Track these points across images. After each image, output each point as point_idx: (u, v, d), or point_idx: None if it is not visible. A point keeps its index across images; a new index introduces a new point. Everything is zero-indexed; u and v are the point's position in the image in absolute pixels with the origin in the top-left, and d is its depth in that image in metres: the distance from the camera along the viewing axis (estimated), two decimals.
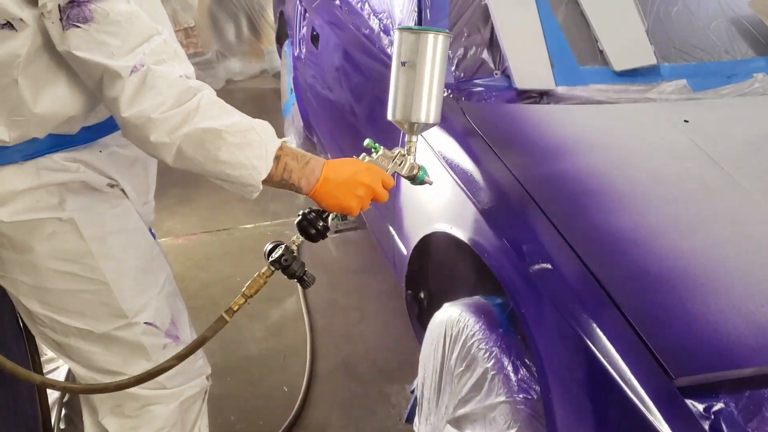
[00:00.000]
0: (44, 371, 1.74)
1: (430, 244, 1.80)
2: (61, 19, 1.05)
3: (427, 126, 1.30)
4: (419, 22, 1.92)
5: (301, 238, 1.25)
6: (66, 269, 1.28)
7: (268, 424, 2.05)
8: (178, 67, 1.10)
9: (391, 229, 2.03)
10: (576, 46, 1.87)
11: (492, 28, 1.87)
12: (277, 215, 3.34)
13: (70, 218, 1.25)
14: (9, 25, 1.06)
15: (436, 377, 1.60)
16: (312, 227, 1.24)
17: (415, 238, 1.78)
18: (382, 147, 1.29)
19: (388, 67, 2.07)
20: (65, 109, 1.16)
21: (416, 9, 1.95)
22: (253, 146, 1.10)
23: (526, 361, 1.35)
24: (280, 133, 3.78)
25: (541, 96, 1.78)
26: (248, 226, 3.24)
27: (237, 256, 3.00)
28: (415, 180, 1.31)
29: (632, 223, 1.31)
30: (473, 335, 1.44)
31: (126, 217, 1.35)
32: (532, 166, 1.50)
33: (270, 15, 4.79)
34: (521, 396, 1.29)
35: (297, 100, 3.28)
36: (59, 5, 1.04)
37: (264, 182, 1.13)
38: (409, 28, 1.29)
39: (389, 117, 1.32)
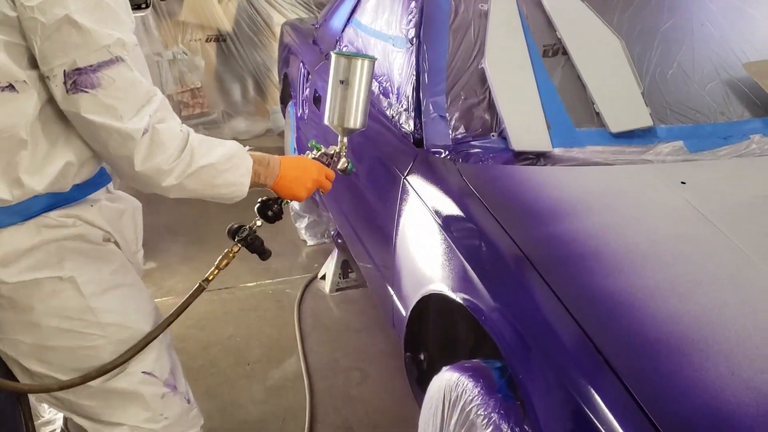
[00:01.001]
0: None
1: (428, 306, 1.79)
2: (65, 83, 1.12)
3: (355, 130, 1.65)
4: (417, 86, 1.96)
5: (261, 221, 1.54)
6: (66, 326, 1.32)
7: None
8: (173, 120, 1.26)
9: (390, 289, 2.02)
10: (572, 108, 1.90)
11: (489, 91, 1.90)
12: (279, 273, 3.33)
13: (70, 276, 1.29)
14: (11, 87, 1.11)
15: None
16: (269, 210, 1.53)
17: (413, 300, 1.77)
18: (322, 146, 1.63)
19: (388, 129, 2.11)
20: (68, 162, 1.24)
21: (414, 73, 1.98)
22: (238, 167, 1.34)
23: (525, 427, 1.32)
24: None
25: (538, 157, 1.79)
26: (250, 284, 3.23)
27: (237, 316, 2.98)
28: (345, 172, 1.66)
29: (629, 287, 1.29)
30: (471, 400, 1.42)
31: (123, 272, 1.41)
32: (528, 228, 1.50)
33: (275, 76, 4.89)
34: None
35: None
36: (65, 71, 1.12)
37: None
38: (345, 54, 1.64)
39: (326, 121, 1.66)
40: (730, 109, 1.99)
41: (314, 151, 1.63)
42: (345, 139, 1.66)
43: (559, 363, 1.19)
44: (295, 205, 3.59)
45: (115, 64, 1.15)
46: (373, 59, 1.62)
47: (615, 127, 1.85)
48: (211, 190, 1.31)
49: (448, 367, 1.56)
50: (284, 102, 3.96)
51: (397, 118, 2.05)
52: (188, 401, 1.54)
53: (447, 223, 1.63)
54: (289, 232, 3.68)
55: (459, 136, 1.85)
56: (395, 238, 1.94)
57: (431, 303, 1.75)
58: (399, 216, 1.90)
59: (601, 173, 1.71)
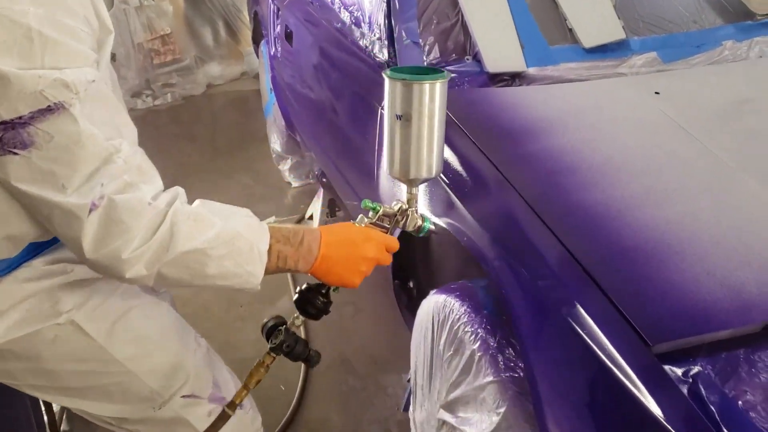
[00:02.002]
0: None
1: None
2: None
3: (428, 179, 1.22)
4: (388, 13, 1.93)
5: (302, 318, 1.19)
6: (82, 368, 1.16)
7: (266, 423, 2.03)
8: (146, 187, 0.94)
9: None
10: (545, 27, 1.89)
11: (461, 14, 1.88)
12: (265, 216, 3.34)
13: (70, 320, 1.10)
14: None
15: (427, 364, 1.62)
16: (311, 306, 1.17)
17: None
18: (381, 205, 1.19)
19: (362, 60, 2.09)
20: (29, 230, 1.01)
21: (385, 0, 1.95)
22: (242, 253, 1.00)
23: (512, 340, 1.36)
24: (262, 134, 3.79)
25: (513, 78, 1.79)
26: None
27: None
28: (419, 232, 1.23)
29: (607, 198, 1.32)
30: (459, 319, 1.46)
31: (128, 294, 1.20)
32: (506, 149, 1.51)
33: (246, 16, 4.79)
34: (508, 375, 1.31)
35: (277, 99, 3.28)
36: None
37: None
38: (400, 76, 1.14)
39: (388, 172, 1.24)
40: (702, 17, 1.98)
41: (370, 214, 1.19)
42: (415, 191, 1.24)
43: (539, 275, 1.23)
44: (276, 146, 3.57)
45: (53, 114, 0.86)
46: (446, 78, 1.17)
47: (588, 42, 1.85)
48: (203, 280, 1.00)
49: (435, 290, 1.60)
50: (257, 42, 3.90)
51: (370, 47, 2.02)
52: (240, 406, 1.33)
53: None
54: (272, 175, 3.68)
55: (434, 62, 1.83)
56: (377, 170, 1.94)
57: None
58: (380, 147, 1.91)
59: (575, 89, 1.71)
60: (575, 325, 1.10)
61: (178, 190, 1.00)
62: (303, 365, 2.30)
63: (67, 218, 0.90)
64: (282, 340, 1.17)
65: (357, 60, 2.11)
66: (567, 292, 1.16)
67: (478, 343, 1.39)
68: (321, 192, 3.19)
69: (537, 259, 1.25)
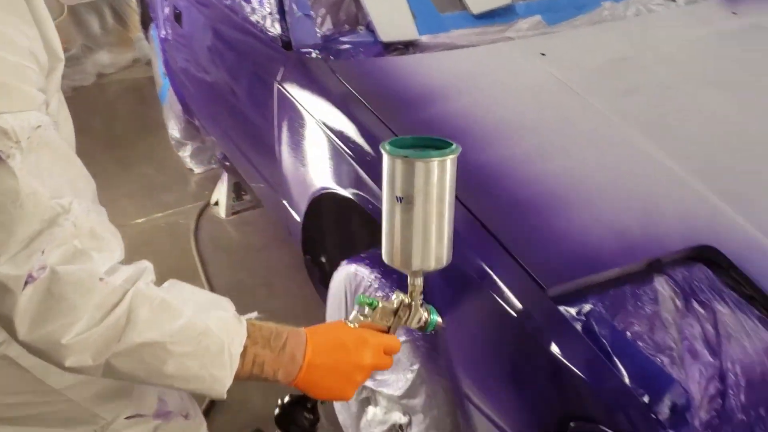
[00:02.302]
0: None
1: (321, 207, 1.83)
2: None
3: (436, 269, 1.00)
4: None
5: None
6: (18, 400, 1.05)
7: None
8: (99, 257, 0.78)
9: (282, 201, 2.04)
10: None
11: None
12: (169, 205, 3.27)
13: (2, 355, 0.97)
14: None
15: None
16: (296, 426, 0.97)
17: (304, 203, 1.80)
18: (378, 300, 0.99)
19: (255, 37, 2.07)
20: None
21: None
22: (209, 353, 0.82)
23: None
24: (160, 122, 3.68)
25: (407, 47, 1.82)
26: (140, 220, 3.16)
27: (131, 254, 2.91)
28: (426, 329, 1.02)
29: (500, 157, 1.37)
30: (370, 285, 1.48)
31: None
32: (404, 116, 1.54)
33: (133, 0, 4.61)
34: (419, 333, 1.35)
35: (171, 84, 3.19)
36: None
37: None
38: (401, 152, 0.92)
39: (386, 260, 1.02)
40: None
41: (366, 310, 0.98)
42: (419, 281, 1.00)
43: None
44: (174, 133, 3.49)
45: None
46: (455, 152, 0.94)
47: (476, 8, 1.90)
48: (159, 379, 0.83)
49: (345, 260, 1.62)
50: (146, 26, 3.77)
51: (262, 23, 2.00)
52: (186, 416, 1.24)
53: (326, 123, 1.65)
54: (173, 162, 3.59)
55: (327, 34, 1.84)
56: (278, 148, 1.94)
57: (323, 204, 1.79)
58: (279, 124, 1.90)
59: (466, 55, 1.76)
60: (477, 277, 1.15)
61: (145, 266, 0.84)
62: None
63: None
64: None
65: (249, 37, 2.09)
66: (468, 247, 1.20)
67: None
68: (225, 176, 3.14)
69: None
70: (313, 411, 0.97)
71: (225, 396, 0.86)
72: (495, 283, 1.12)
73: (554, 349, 1.02)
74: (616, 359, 0.98)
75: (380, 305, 0.97)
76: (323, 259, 2.06)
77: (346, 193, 1.58)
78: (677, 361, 0.97)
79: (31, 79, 0.77)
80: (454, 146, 0.94)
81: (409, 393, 1.38)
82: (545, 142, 1.42)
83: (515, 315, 1.07)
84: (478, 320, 1.17)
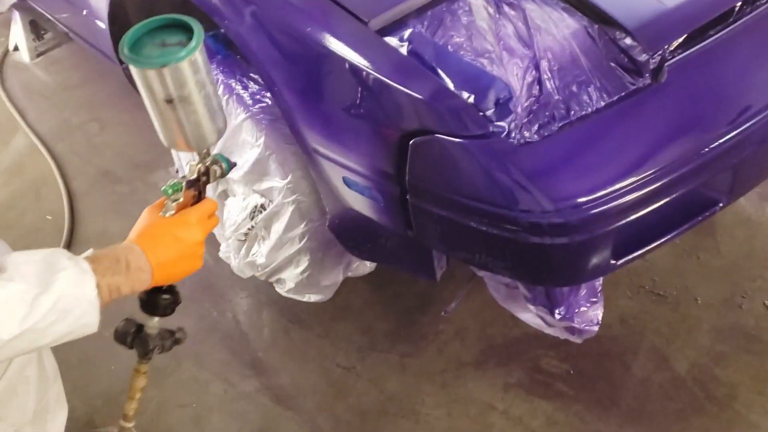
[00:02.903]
0: None
1: (125, 6, 1.69)
2: None
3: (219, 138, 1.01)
4: None
5: (156, 318, 1.05)
6: None
7: None
8: None
9: (96, 22, 1.86)
10: None
11: None
12: None
13: None
14: None
15: None
16: (160, 308, 1.03)
17: (104, 4, 1.66)
18: (180, 181, 0.98)
19: None
20: None
21: None
22: (71, 311, 0.86)
23: (252, 75, 1.38)
24: None
25: None
26: None
27: None
28: (225, 173, 1.05)
29: None
30: None
31: None
32: None
33: None
34: (257, 107, 1.34)
35: None
36: None
37: None
38: (147, 61, 0.85)
39: (173, 149, 1.05)
40: None
41: (173, 196, 0.98)
42: (209, 149, 1.01)
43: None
44: None
45: None
46: (200, 40, 0.86)
47: None
48: (39, 350, 0.91)
49: None
50: None
51: None
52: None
53: None
54: None
55: None
56: None
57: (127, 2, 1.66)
58: None
59: None
60: (302, 27, 1.13)
61: None
62: (64, 194, 2.17)
63: None
64: (150, 347, 1.06)
65: None
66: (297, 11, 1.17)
67: (221, 87, 1.39)
68: (17, 15, 2.81)
69: None
70: (170, 291, 1.03)
71: (97, 329, 0.89)
72: (318, 25, 1.11)
73: (385, 76, 1.04)
74: (441, 71, 1.02)
75: (183, 184, 0.99)
76: None
77: None
78: (496, 61, 1.03)
79: None
80: (197, 32, 0.86)
81: (260, 168, 1.40)
82: None
83: (345, 54, 1.08)
84: (311, 70, 1.17)
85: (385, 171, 1.12)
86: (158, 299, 1.03)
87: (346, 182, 1.23)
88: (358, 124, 1.13)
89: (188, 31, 0.87)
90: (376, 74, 1.05)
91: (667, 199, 1.04)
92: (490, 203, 1.01)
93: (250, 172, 1.43)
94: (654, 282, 1.63)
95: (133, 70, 0.87)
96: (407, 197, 1.12)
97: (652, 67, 1.03)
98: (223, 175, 1.05)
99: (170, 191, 0.97)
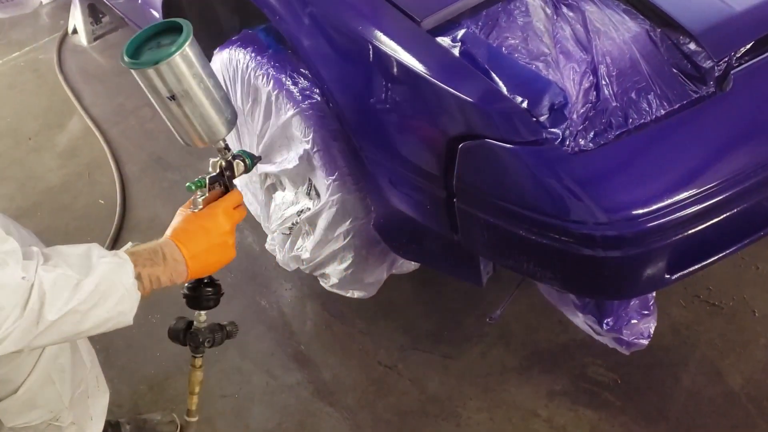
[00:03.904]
0: None
1: (180, 3, 1.70)
2: None
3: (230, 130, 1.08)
4: None
5: (204, 313, 1.12)
6: None
7: (97, 238, 2.00)
8: (10, 259, 0.86)
9: (143, 6, 1.88)
10: None
11: None
12: (24, 43, 2.99)
13: None
14: None
15: None
16: (206, 300, 1.10)
17: None
18: (204, 178, 1.05)
19: None
20: None
21: None
22: (111, 296, 0.92)
23: (302, 70, 1.36)
24: None
25: None
26: None
27: None
28: (249, 169, 1.12)
29: None
30: (247, 66, 1.43)
31: None
32: None
33: None
34: (306, 103, 1.33)
35: None
36: None
37: None
38: (145, 62, 0.93)
39: (189, 144, 1.06)
40: None
41: (199, 192, 1.05)
42: (223, 143, 1.09)
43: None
44: None
45: None
46: (189, 35, 0.94)
47: None
48: (77, 336, 0.95)
49: (217, 48, 1.54)
50: None
51: None
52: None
53: None
54: None
55: None
56: None
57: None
58: None
59: None
60: (354, 24, 1.12)
61: (34, 251, 0.90)
62: (117, 178, 2.21)
63: None
64: (200, 341, 1.12)
65: None
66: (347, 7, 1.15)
67: (271, 82, 1.38)
68: (76, 1, 2.86)
69: None
70: (211, 284, 1.10)
71: (132, 322, 0.96)
72: (369, 28, 1.09)
73: (435, 77, 1.02)
74: (494, 74, 0.99)
75: (207, 180, 1.05)
76: None
77: None
78: (552, 65, 1.00)
79: None
80: (185, 28, 0.94)
81: (307, 164, 1.39)
82: None
83: (398, 55, 1.05)
84: (361, 71, 1.15)
85: (433, 174, 1.10)
86: (201, 293, 1.09)
87: (392, 182, 1.22)
88: (406, 125, 1.11)
89: (181, 32, 0.94)
90: (426, 75, 1.03)
91: (729, 213, 0.99)
92: (540, 212, 0.98)
93: (298, 168, 1.42)
94: (709, 292, 1.57)
95: (135, 75, 0.95)
96: (454, 201, 1.09)
97: (716, 74, 0.98)
98: (247, 170, 1.11)
99: (193, 187, 1.04)
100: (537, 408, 1.44)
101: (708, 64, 0.98)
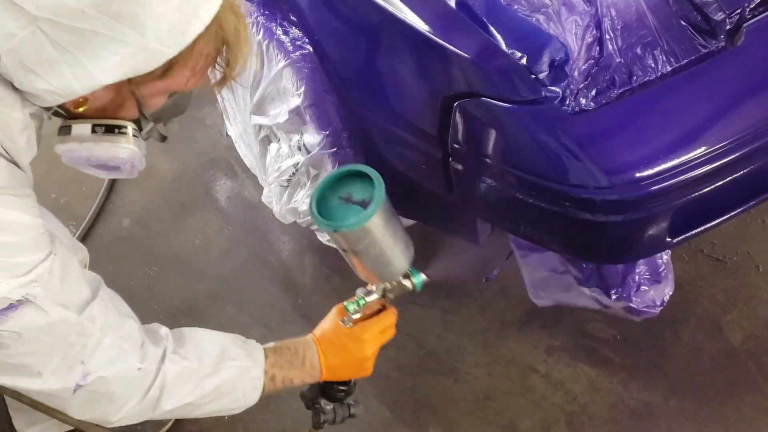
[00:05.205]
0: None
1: None
2: None
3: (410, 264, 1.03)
4: None
5: (331, 405, 1.11)
6: None
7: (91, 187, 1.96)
8: (130, 348, 0.88)
9: None
10: None
11: None
12: None
13: None
14: None
15: None
16: (331, 397, 1.09)
17: None
18: (362, 299, 1.02)
19: None
20: None
21: None
22: (227, 395, 0.97)
23: (293, 18, 1.31)
24: None
25: None
26: None
27: None
28: (416, 290, 1.06)
29: None
30: (259, 26, 1.37)
31: None
32: None
33: None
34: (298, 54, 1.27)
35: None
36: None
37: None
38: (333, 224, 0.90)
39: (380, 283, 1.03)
40: None
41: (353, 307, 1.03)
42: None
43: None
44: None
45: (16, 311, 0.77)
46: (381, 198, 0.89)
47: None
48: (190, 416, 0.99)
49: None
50: None
51: None
52: None
53: None
54: None
55: None
56: None
57: None
58: None
59: None
60: None
61: (163, 335, 0.94)
62: None
63: (48, 398, 0.87)
64: (320, 421, 1.11)
65: None
66: None
67: (261, 32, 1.32)
68: None
69: None
70: (346, 383, 1.09)
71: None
72: None
73: (429, 30, 0.97)
74: (492, 28, 0.94)
75: (363, 304, 1.02)
76: None
77: None
78: (553, 18, 0.94)
79: (31, 207, 0.80)
80: (377, 185, 0.89)
81: (299, 117, 1.35)
82: None
83: (385, 5, 1.00)
84: (353, 23, 1.10)
85: (428, 132, 1.05)
86: (333, 390, 1.09)
87: (387, 139, 1.17)
88: (399, 81, 1.06)
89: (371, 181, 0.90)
90: (419, 28, 0.98)
91: (736, 175, 0.95)
92: (538, 175, 0.94)
93: (290, 121, 1.38)
94: (713, 246, 1.54)
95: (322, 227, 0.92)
96: (449, 161, 1.05)
97: (728, 27, 0.93)
98: (414, 292, 1.05)
99: (350, 309, 1.02)
100: (535, 363, 1.43)
101: (719, 16, 0.92)
